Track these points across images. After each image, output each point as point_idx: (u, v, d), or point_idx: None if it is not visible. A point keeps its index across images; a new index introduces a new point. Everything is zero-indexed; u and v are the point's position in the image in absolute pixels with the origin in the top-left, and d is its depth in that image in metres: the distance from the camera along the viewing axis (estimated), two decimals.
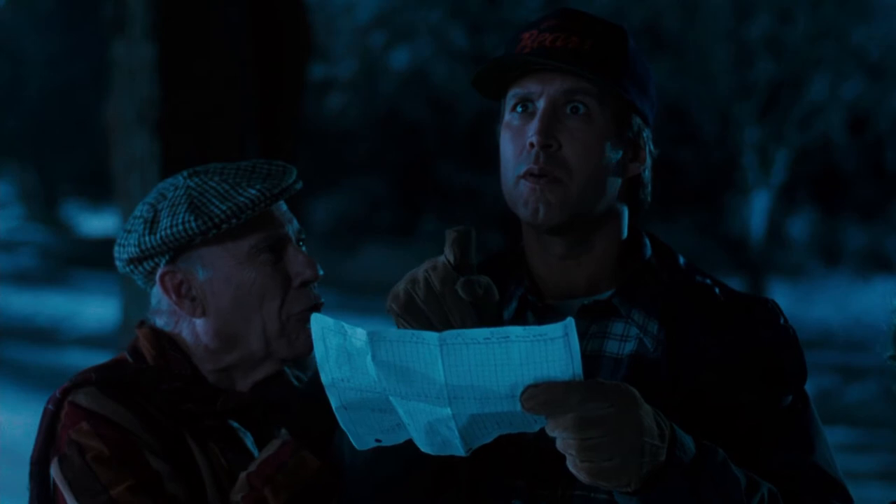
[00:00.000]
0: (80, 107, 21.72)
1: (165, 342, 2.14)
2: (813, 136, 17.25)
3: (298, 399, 2.13)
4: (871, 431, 10.81)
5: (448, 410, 1.60)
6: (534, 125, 1.88)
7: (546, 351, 1.57)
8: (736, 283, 17.49)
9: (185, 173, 2.14)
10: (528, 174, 1.88)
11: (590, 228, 1.92)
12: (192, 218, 2.06)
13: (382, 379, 1.60)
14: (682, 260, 1.99)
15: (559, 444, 1.61)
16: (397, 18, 19.07)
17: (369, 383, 1.61)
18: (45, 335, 14.96)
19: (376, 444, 1.69)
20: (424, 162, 19.61)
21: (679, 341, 1.87)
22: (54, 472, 2.05)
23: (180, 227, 2.07)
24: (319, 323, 1.63)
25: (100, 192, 21.39)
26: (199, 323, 2.13)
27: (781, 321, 1.93)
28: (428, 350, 1.57)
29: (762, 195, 17.24)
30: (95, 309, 15.52)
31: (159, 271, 2.12)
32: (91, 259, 19.74)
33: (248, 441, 2.12)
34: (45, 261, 21.60)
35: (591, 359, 1.88)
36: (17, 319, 15.88)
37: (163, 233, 2.08)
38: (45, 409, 2.10)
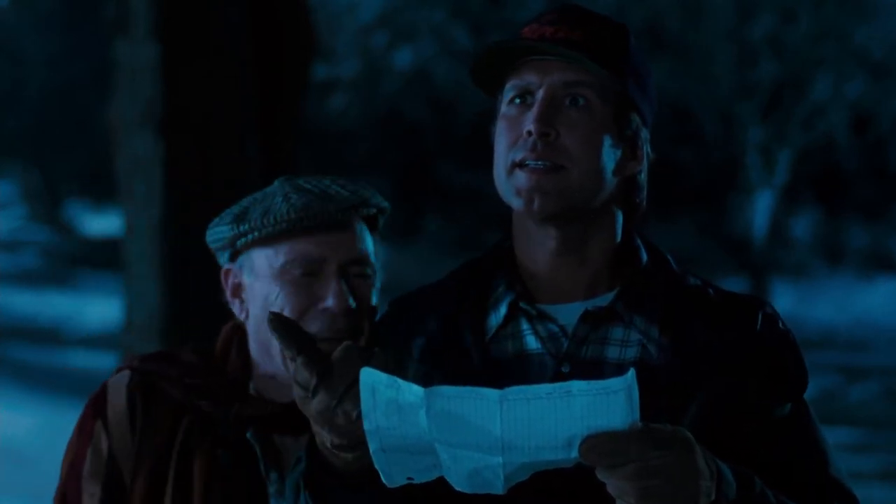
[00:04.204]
0: (80, 107, 21.71)
1: (236, 337, 2.20)
2: (816, 136, 17.25)
3: None
4: (873, 432, 10.81)
5: (499, 459, 1.60)
6: (532, 114, 1.85)
7: (607, 403, 1.57)
8: (738, 284, 17.35)
9: (283, 178, 2.21)
10: (525, 163, 1.84)
11: (584, 224, 1.88)
12: (229, 222, 2.14)
13: (434, 430, 1.60)
14: (672, 262, 1.96)
15: (613, 490, 1.60)
16: (400, 18, 19.08)
17: (417, 433, 1.62)
18: (48, 335, 14.96)
19: (408, 482, 1.69)
20: (425, 162, 19.61)
21: (683, 344, 1.84)
22: None
23: (218, 230, 2.16)
24: (370, 377, 1.62)
25: (102, 192, 21.38)
26: (247, 325, 2.18)
27: (781, 325, 1.91)
28: (487, 405, 1.58)
29: (765, 195, 17.24)
30: (98, 309, 15.51)
31: (224, 266, 2.20)
32: (94, 259, 19.74)
33: (259, 457, 2.13)
34: (47, 261, 21.60)
35: (592, 365, 1.85)
36: (20, 319, 15.88)
37: (213, 230, 2.18)
38: None
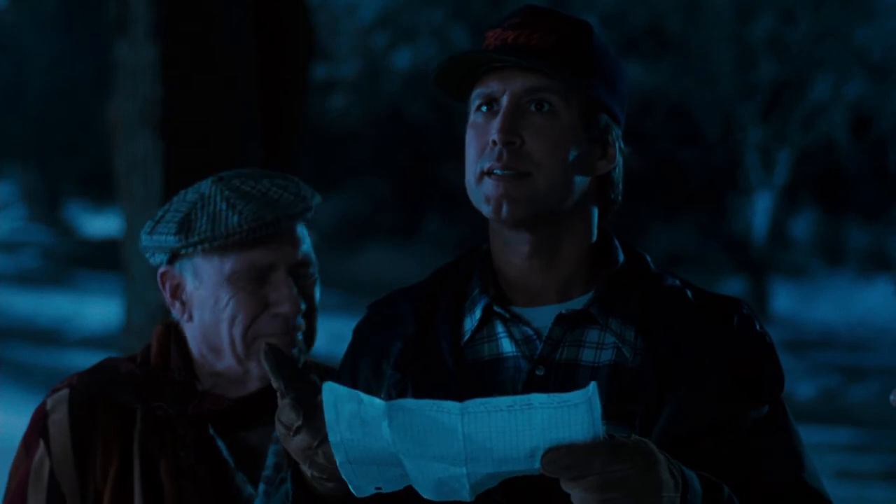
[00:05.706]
0: (82, 107, 21.75)
1: (173, 338, 2.19)
2: (816, 137, 17.27)
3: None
4: (874, 432, 10.79)
5: (463, 470, 1.60)
6: (496, 122, 1.85)
7: (569, 416, 1.56)
8: (738, 284, 17.29)
9: (213, 178, 2.17)
10: (492, 171, 1.85)
11: (557, 227, 1.88)
12: (175, 231, 2.11)
13: (397, 443, 1.60)
14: (651, 262, 1.95)
15: (576, 501, 1.60)
16: (400, 19, 19.10)
17: (382, 446, 1.62)
18: (48, 336, 14.97)
19: (376, 492, 1.70)
20: (426, 162, 19.62)
21: (658, 346, 1.84)
22: None
23: (162, 238, 2.13)
24: (332, 391, 1.62)
25: (102, 192, 21.41)
26: (188, 326, 2.17)
27: (757, 326, 1.90)
28: (448, 418, 1.58)
29: (765, 195, 17.26)
30: (98, 310, 15.53)
31: (161, 268, 2.17)
32: (93, 260, 19.76)
33: (223, 449, 2.13)
34: (47, 261, 21.62)
35: (566, 367, 1.84)
36: (20, 320, 15.90)
37: (155, 236, 2.14)
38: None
